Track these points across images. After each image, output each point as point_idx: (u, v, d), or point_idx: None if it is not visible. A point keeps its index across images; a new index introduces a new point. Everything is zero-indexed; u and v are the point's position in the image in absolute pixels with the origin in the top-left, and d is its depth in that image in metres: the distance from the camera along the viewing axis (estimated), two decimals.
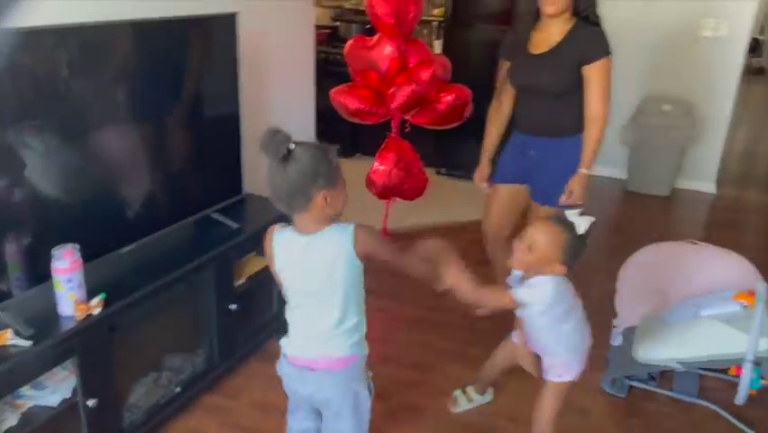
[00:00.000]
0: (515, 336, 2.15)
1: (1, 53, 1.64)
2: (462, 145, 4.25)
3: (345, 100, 3.28)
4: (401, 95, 3.14)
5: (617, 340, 2.63)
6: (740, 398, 2.23)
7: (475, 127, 2.97)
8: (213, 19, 2.37)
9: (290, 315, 1.69)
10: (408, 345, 2.82)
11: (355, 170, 3.61)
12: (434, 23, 5.01)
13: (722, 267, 2.68)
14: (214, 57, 2.40)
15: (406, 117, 3.38)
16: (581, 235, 1.71)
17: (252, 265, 2.55)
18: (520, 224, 2.48)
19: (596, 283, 2.97)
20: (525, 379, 2.17)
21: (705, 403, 2.45)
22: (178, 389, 2.24)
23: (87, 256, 1.88)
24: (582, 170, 2.42)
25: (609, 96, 2.37)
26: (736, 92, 4.66)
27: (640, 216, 4.33)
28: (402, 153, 3.43)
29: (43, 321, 1.78)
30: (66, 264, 1.77)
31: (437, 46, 4.86)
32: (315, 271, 1.57)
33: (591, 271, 3.08)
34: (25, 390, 1.79)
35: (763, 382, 2.32)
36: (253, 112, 2.84)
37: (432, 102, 3.25)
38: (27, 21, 1.71)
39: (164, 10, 2.20)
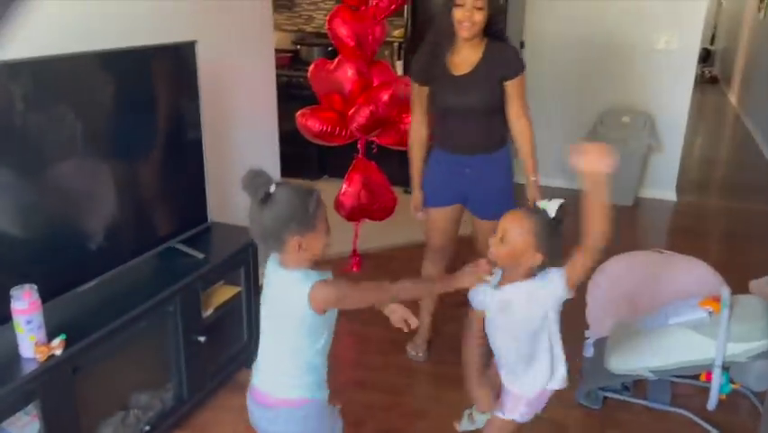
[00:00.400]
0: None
1: None
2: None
3: (308, 122, 3.28)
4: (360, 116, 3.15)
5: (589, 351, 2.65)
6: (711, 403, 2.27)
7: None
8: (172, 48, 2.35)
9: (260, 340, 1.68)
10: (380, 367, 2.79)
11: (323, 192, 3.61)
12: (395, 44, 5.06)
13: (687, 274, 2.73)
14: (174, 86, 2.37)
15: (372, 138, 3.38)
16: (554, 219, 1.66)
17: (220, 295, 2.51)
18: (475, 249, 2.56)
19: None
20: None
21: (678, 410, 2.48)
22: (146, 427, 2.18)
23: (48, 295, 1.83)
24: (533, 178, 2.58)
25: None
26: (691, 101, 4.79)
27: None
28: (369, 174, 3.44)
29: (3, 365, 1.73)
30: (24, 305, 1.72)
31: (399, 67, 4.90)
32: (276, 304, 1.58)
33: None
34: None
35: (732, 386, 2.36)
36: (216, 139, 2.82)
37: (395, 123, 3.26)
38: None
39: (123, 40, 2.18)
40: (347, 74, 3.19)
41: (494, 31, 2.46)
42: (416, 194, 2.70)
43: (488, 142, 2.55)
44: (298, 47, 5.33)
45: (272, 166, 3.53)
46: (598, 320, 2.74)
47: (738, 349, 2.20)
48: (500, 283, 1.76)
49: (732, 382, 2.43)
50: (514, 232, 1.68)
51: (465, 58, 2.47)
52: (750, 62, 8.24)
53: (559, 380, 1.83)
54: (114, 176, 2.13)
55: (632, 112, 4.76)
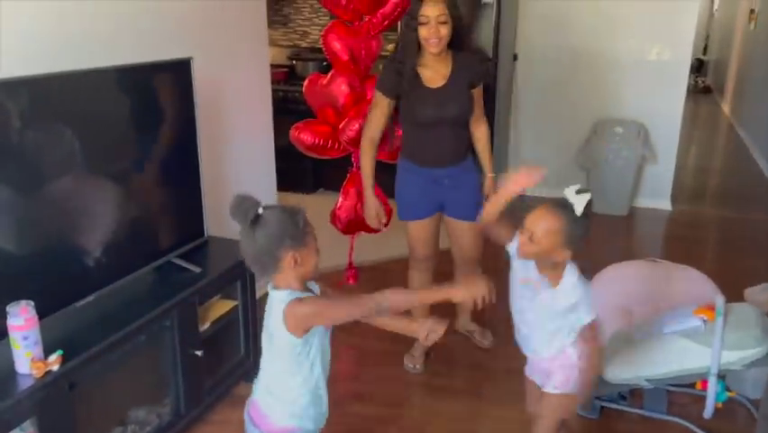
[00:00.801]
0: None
1: None
2: None
3: (301, 135, 3.31)
4: (350, 129, 3.17)
5: None
6: (708, 412, 2.27)
7: None
8: (168, 65, 2.37)
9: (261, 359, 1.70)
10: (377, 380, 2.80)
11: (319, 205, 3.63)
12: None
13: (682, 283, 2.75)
14: (170, 102, 2.39)
15: None
16: (582, 215, 1.68)
17: (217, 309, 2.51)
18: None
19: None
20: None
21: (675, 419, 2.49)
22: None
23: (46, 310, 1.84)
24: (491, 175, 2.72)
25: None
26: (684, 111, 4.84)
27: (601, 237, 4.41)
28: None
29: (0, 382, 1.72)
30: (21, 321, 1.72)
31: None
32: (268, 324, 1.61)
33: None
34: None
35: (728, 394, 2.36)
36: (213, 154, 2.84)
37: (387, 136, 3.28)
38: None
39: (119, 58, 2.21)
40: (340, 88, 3.22)
41: (458, 43, 2.51)
42: (374, 201, 2.71)
43: (462, 152, 2.67)
44: (294, 62, 5.36)
45: (268, 180, 3.55)
46: None
47: (733, 357, 2.21)
48: (540, 271, 1.80)
49: (728, 390, 2.43)
50: (542, 231, 1.70)
51: (436, 71, 2.53)
52: (742, 72, 8.31)
53: None
54: (111, 192, 2.15)
55: (625, 122, 4.80)
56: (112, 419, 2.16)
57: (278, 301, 1.54)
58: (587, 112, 4.95)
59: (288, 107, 4.65)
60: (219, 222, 2.84)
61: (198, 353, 2.34)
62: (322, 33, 3.27)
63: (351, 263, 3.67)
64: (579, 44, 4.86)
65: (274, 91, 3.67)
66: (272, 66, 3.95)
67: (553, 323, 1.84)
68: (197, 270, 2.41)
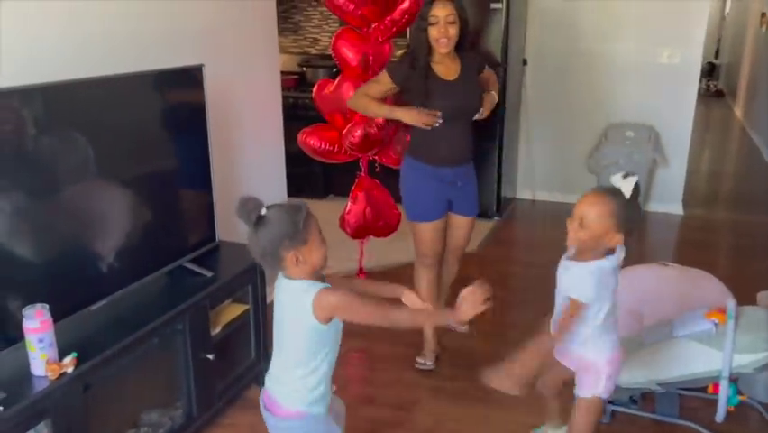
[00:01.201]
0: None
1: None
2: None
3: (308, 139, 3.34)
4: (352, 135, 3.18)
5: None
6: (719, 415, 2.26)
7: None
8: (179, 72, 2.40)
9: (273, 347, 1.75)
10: (387, 383, 2.80)
11: (329, 211, 3.65)
12: None
13: (693, 287, 2.74)
14: (182, 108, 2.43)
15: (374, 157, 3.43)
16: (631, 198, 1.70)
17: (229, 313, 2.54)
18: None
19: None
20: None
21: (687, 423, 2.47)
22: None
23: (60, 314, 1.86)
24: (494, 94, 2.78)
25: None
26: (695, 115, 4.81)
27: None
28: (373, 192, 3.48)
29: (16, 384, 1.75)
30: (36, 324, 1.75)
31: None
32: (284, 314, 1.66)
33: None
34: None
35: (740, 398, 2.35)
36: (224, 159, 2.87)
37: (392, 142, 3.31)
38: None
39: (131, 65, 2.24)
40: (347, 94, 3.25)
41: (464, 44, 2.66)
42: (404, 109, 2.64)
43: (471, 150, 2.77)
44: (304, 69, 5.41)
45: (279, 186, 3.58)
46: None
47: (744, 360, 2.20)
48: (572, 258, 1.84)
49: (740, 393, 2.42)
50: (593, 216, 1.70)
51: (448, 66, 2.65)
52: (754, 76, 8.26)
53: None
54: (123, 197, 2.18)
55: (636, 127, 4.78)
56: (125, 422, 2.19)
57: (300, 291, 1.59)
58: (597, 116, 4.94)
59: (299, 114, 4.68)
60: (230, 227, 2.86)
61: (210, 356, 2.36)
62: (332, 40, 3.30)
63: (361, 268, 3.69)
64: (588, 48, 4.86)
65: (285, 98, 3.70)
66: (283, 73, 3.99)
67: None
68: (209, 274, 2.43)
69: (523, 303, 3.59)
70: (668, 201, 4.97)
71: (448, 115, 2.58)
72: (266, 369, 2.61)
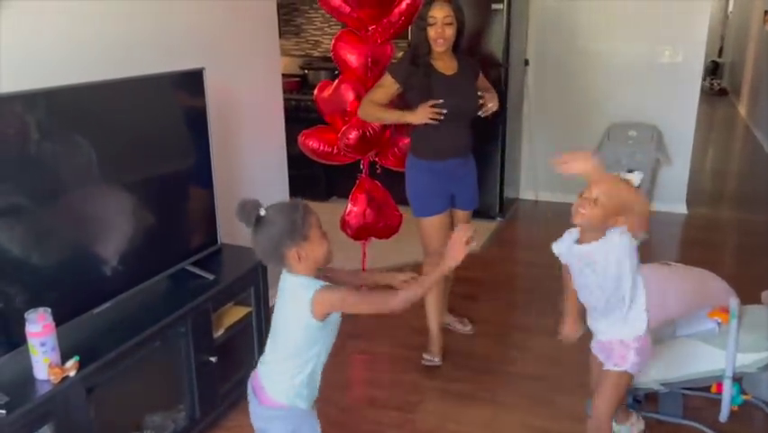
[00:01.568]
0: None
1: None
2: None
3: (307, 141, 3.35)
4: (347, 136, 3.17)
5: None
6: (723, 415, 2.24)
7: None
8: (180, 75, 2.41)
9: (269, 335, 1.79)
10: (391, 385, 2.80)
11: (331, 213, 3.64)
12: None
13: (696, 286, 2.72)
14: (183, 112, 2.44)
15: (375, 159, 3.43)
16: (637, 188, 1.90)
17: (231, 316, 2.54)
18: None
19: None
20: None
21: (690, 423, 2.46)
22: None
23: (63, 317, 1.87)
24: (490, 94, 2.84)
25: None
26: (698, 113, 4.80)
27: None
28: (373, 193, 3.47)
29: (19, 387, 1.76)
30: (38, 328, 1.76)
31: None
32: (283, 307, 1.70)
33: None
34: None
35: (743, 397, 2.34)
36: (226, 162, 2.88)
37: (389, 144, 3.30)
38: None
39: (132, 69, 2.25)
40: (346, 95, 3.25)
41: (460, 45, 2.77)
42: (412, 114, 2.70)
43: (470, 144, 2.85)
44: (306, 71, 5.41)
45: (281, 188, 3.59)
46: None
47: (748, 360, 2.19)
48: (579, 241, 1.95)
49: (744, 393, 2.41)
50: (608, 195, 1.83)
51: (446, 63, 2.74)
52: (758, 74, 8.23)
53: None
54: (125, 201, 2.19)
55: (639, 126, 4.77)
56: (128, 425, 2.19)
57: (300, 286, 1.63)
58: (599, 115, 4.93)
59: (301, 116, 4.68)
60: (232, 230, 2.87)
61: (212, 359, 2.36)
62: (332, 43, 3.31)
63: (363, 270, 3.68)
64: (590, 48, 4.86)
65: (287, 100, 3.71)
66: (285, 75, 4.00)
67: (596, 285, 1.96)
68: (211, 277, 2.44)
69: (526, 304, 3.59)
70: (671, 200, 4.96)
71: (448, 108, 2.66)
72: None
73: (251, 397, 1.78)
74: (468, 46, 3.61)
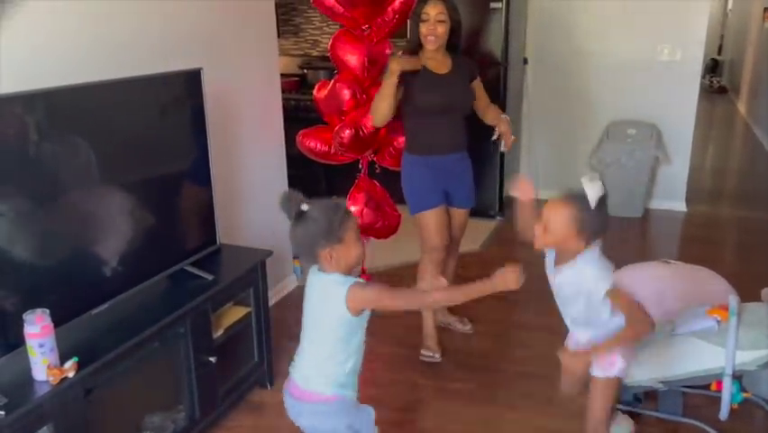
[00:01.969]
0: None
1: None
2: None
3: (305, 140, 3.35)
4: (340, 136, 3.17)
5: None
6: (723, 413, 2.24)
7: None
8: (178, 76, 2.41)
9: (301, 338, 1.81)
10: (390, 384, 2.80)
11: None
12: None
13: (695, 284, 2.72)
14: (181, 112, 2.43)
15: (373, 158, 3.43)
16: (597, 207, 1.74)
17: (230, 316, 2.54)
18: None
19: None
20: None
21: (690, 421, 2.46)
22: None
23: (61, 318, 1.87)
24: (504, 116, 2.87)
25: None
26: (698, 111, 4.80)
27: (615, 239, 4.39)
28: (372, 193, 3.47)
29: (17, 389, 1.75)
30: (37, 329, 1.75)
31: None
32: (316, 306, 1.73)
33: None
34: None
35: (743, 395, 2.33)
36: (224, 163, 2.88)
37: (384, 144, 3.30)
38: None
39: (130, 69, 2.25)
40: (342, 95, 3.25)
41: (454, 45, 2.77)
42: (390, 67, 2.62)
43: (465, 140, 2.85)
44: (305, 71, 5.41)
45: (280, 188, 3.54)
46: None
47: (747, 357, 2.19)
48: (556, 263, 1.91)
49: (743, 390, 2.41)
50: (556, 221, 1.78)
51: (439, 62, 2.74)
52: (757, 72, 8.23)
53: None
54: (124, 201, 2.18)
55: (638, 124, 4.78)
56: (127, 426, 2.19)
57: (333, 283, 1.67)
58: (599, 114, 4.94)
59: (300, 116, 4.68)
60: (231, 230, 2.88)
61: (212, 359, 2.36)
62: (329, 43, 3.31)
63: (363, 270, 3.68)
64: (589, 46, 4.85)
65: (286, 100, 3.71)
66: (284, 75, 3.99)
67: (573, 307, 1.94)
68: (210, 277, 2.43)
69: (525, 303, 3.58)
70: (671, 198, 4.96)
71: (438, 107, 2.68)
72: (269, 372, 2.63)
73: (292, 403, 1.78)
74: (467, 45, 3.61)
